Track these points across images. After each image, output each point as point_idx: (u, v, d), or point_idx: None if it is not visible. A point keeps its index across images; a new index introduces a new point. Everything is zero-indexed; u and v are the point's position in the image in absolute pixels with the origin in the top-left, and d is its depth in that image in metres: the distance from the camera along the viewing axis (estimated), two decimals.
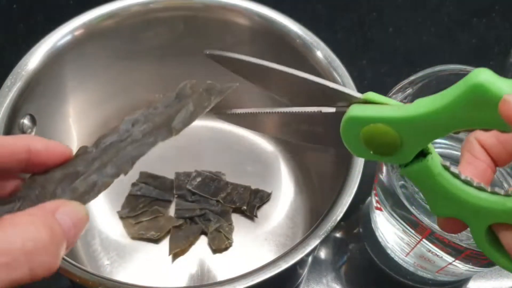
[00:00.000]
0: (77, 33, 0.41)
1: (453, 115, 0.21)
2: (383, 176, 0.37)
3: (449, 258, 0.37)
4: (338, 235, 0.46)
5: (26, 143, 0.25)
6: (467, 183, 0.23)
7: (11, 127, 0.36)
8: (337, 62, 0.40)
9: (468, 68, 0.38)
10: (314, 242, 0.31)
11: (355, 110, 0.24)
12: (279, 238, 0.44)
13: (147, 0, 0.43)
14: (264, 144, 0.50)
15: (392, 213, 0.39)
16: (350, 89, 0.25)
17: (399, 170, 0.25)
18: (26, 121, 0.38)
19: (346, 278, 0.44)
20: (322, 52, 0.41)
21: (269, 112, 0.28)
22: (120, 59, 0.45)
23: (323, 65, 0.41)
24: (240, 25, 0.44)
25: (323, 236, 0.32)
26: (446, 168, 0.24)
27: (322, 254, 0.45)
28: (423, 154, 0.24)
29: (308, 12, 0.62)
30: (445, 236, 0.34)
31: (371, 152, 0.25)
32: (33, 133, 0.39)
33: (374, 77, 0.56)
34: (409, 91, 0.38)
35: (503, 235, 0.23)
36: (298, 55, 0.42)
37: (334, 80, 0.40)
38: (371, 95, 0.24)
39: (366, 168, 0.35)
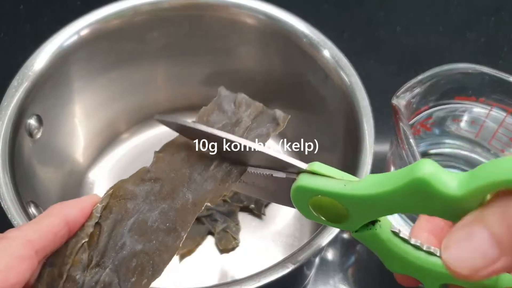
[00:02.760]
0: (83, 33, 0.41)
1: (397, 202, 0.21)
2: None
3: None
4: (345, 236, 0.46)
5: (63, 217, 0.24)
6: (417, 247, 0.24)
7: (18, 127, 0.36)
8: (344, 61, 0.40)
9: (477, 67, 0.38)
10: (321, 243, 0.31)
11: (303, 180, 0.25)
12: (286, 238, 0.44)
13: (153, 0, 0.43)
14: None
15: (400, 213, 0.38)
16: (296, 160, 0.25)
17: (351, 233, 0.25)
18: (33, 122, 0.38)
19: (353, 279, 0.44)
20: (329, 51, 0.41)
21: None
22: (126, 59, 0.45)
23: (330, 65, 0.40)
24: (246, 24, 0.44)
25: (330, 237, 0.32)
26: (396, 234, 0.24)
27: (329, 255, 0.45)
28: (372, 222, 0.24)
29: (315, 11, 0.61)
30: None
31: (322, 218, 0.25)
32: (39, 133, 0.39)
33: (382, 76, 0.55)
34: (417, 90, 0.37)
35: None
36: (305, 55, 0.42)
37: (341, 80, 0.39)
38: (317, 166, 0.24)
39: (374, 169, 0.35)
